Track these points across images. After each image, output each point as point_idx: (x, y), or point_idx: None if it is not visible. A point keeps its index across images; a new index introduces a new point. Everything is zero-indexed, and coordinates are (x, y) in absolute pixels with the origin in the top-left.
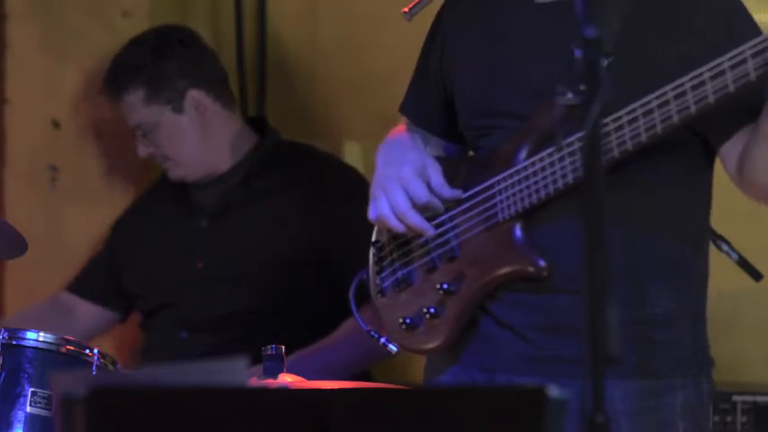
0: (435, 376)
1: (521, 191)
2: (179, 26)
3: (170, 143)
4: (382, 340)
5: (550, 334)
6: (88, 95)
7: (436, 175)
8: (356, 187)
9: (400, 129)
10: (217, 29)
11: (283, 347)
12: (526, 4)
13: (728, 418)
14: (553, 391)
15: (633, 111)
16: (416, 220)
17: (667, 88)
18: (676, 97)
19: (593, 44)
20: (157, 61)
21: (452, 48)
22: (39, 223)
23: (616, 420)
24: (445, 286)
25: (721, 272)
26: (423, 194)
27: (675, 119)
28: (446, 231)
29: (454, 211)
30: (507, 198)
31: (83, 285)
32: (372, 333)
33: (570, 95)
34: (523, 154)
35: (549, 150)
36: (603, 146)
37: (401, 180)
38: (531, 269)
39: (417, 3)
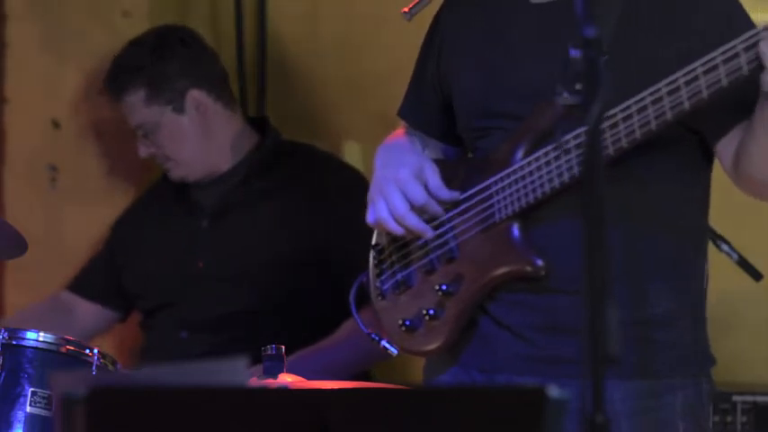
0: (434, 377)
1: (517, 191)
2: (179, 26)
3: (171, 143)
4: (383, 343)
5: (550, 334)
6: (88, 95)
7: (434, 177)
8: (356, 187)
9: (399, 132)
10: (217, 29)
11: (283, 347)
12: (523, 5)
13: (728, 418)
14: (553, 391)
15: (627, 108)
16: (414, 222)
17: (661, 84)
18: (670, 93)
19: (593, 44)
20: (158, 62)
21: (450, 50)
22: (39, 223)
23: (616, 421)
24: (444, 287)
25: (721, 272)
26: (420, 196)
27: (669, 115)
28: (444, 233)
29: (452, 213)
30: (504, 198)
31: (83, 285)
32: (373, 336)
33: (570, 95)
34: (520, 154)
35: (545, 150)
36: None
37: (398, 182)
38: (528, 269)
39: (417, 3)
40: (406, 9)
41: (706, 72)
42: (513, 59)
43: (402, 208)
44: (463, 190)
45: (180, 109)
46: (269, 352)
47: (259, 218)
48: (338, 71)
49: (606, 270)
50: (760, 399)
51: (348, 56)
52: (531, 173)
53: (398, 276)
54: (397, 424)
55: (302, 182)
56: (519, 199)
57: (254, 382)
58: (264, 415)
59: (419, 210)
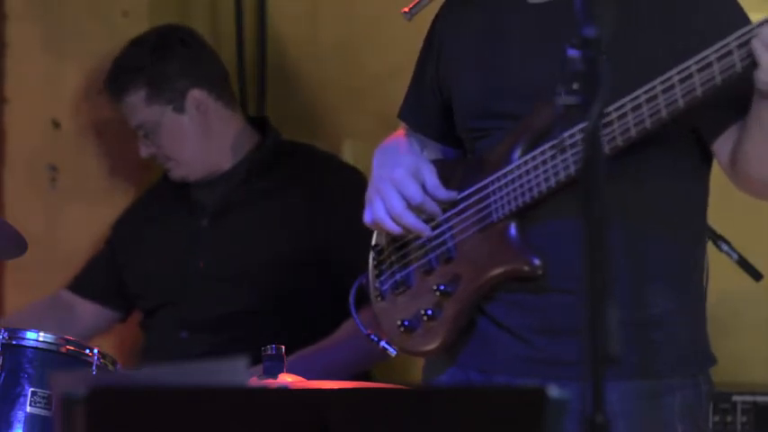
0: (434, 377)
1: (514, 190)
2: (179, 26)
3: (172, 143)
4: (382, 344)
5: (548, 336)
6: (88, 95)
7: (431, 177)
8: (356, 187)
9: (398, 133)
10: (217, 29)
11: (283, 347)
12: (521, 5)
13: (728, 418)
14: (553, 392)
15: (622, 106)
16: (412, 221)
17: (656, 82)
18: (664, 91)
19: (593, 44)
20: (158, 61)
21: (449, 51)
22: (39, 223)
23: (614, 422)
24: (442, 287)
25: (721, 272)
26: (417, 195)
27: (664, 113)
28: (442, 233)
29: (450, 213)
30: (501, 198)
31: (83, 284)
32: (372, 336)
33: (569, 96)
34: (517, 153)
35: (542, 149)
36: None
37: (395, 182)
38: (525, 268)
39: (417, 3)
40: (406, 9)
41: (700, 70)
42: (512, 60)
43: (399, 207)
44: (461, 190)
45: (180, 109)
46: (269, 352)
47: (259, 218)
48: (338, 71)
49: (606, 270)
50: (760, 399)
51: (348, 56)
52: (527, 172)
53: (397, 277)
54: (397, 424)
55: (302, 182)
56: (516, 198)
57: (254, 382)
58: (264, 415)
59: (416, 209)
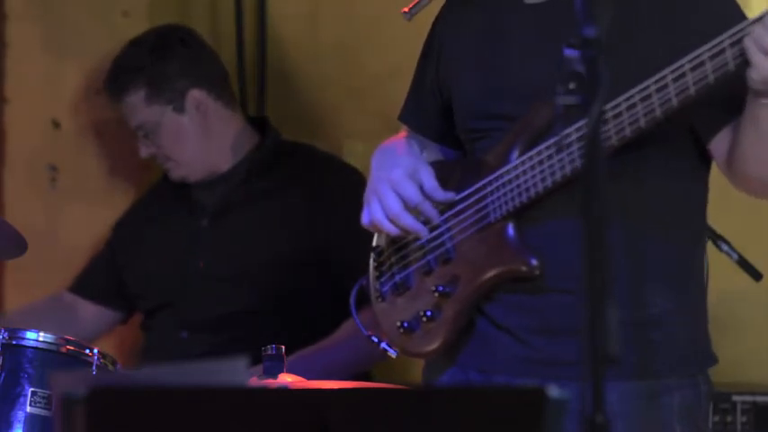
0: (433, 377)
1: (511, 191)
2: (179, 26)
3: (171, 143)
4: (382, 345)
5: (547, 336)
6: (88, 95)
7: (429, 179)
8: (356, 187)
9: (399, 135)
10: (217, 29)
11: (283, 347)
12: (519, 5)
13: (728, 418)
14: (553, 392)
15: (617, 106)
16: (409, 222)
17: (650, 81)
18: (658, 90)
19: (592, 43)
20: (158, 62)
21: (449, 52)
22: (39, 223)
23: (613, 422)
24: (440, 288)
25: (721, 272)
26: (414, 196)
27: (658, 112)
28: (441, 234)
29: (448, 214)
30: (498, 198)
31: (84, 286)
32: (373, 338)
33: (568, 95)
34: (515, 154)
35: (538, 149)
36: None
37: (392, 183)
38: (523, 268)
39: (417, 3)
40: (406, 9)
41: (693, 69)
42: (511, 60)
43: (396, 208)
44: (459, 191)
45: (180, 109)
46: (269, 352)
47: (259, 217)
48: (338, 71)
49: (606, 269)
50: (760, 399)
51: (348, 56)
52: (524, 172)
53: (397, 278)
54: (397, 424)
55: (302, 182)
56: (513, 199)
57: (254, 382)
58: (264, 415)
59: (414, 210)
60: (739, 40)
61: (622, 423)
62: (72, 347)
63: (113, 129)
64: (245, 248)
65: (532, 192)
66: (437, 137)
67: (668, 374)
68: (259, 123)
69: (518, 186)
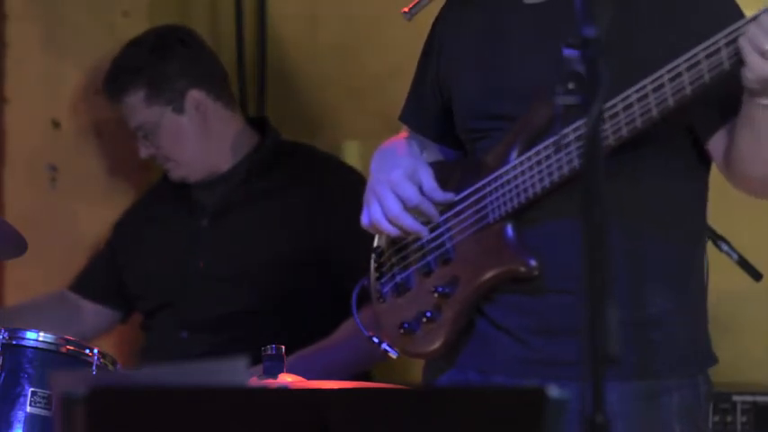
0: (433, 378)
1: (510, 191)
2: (179, 26)
3: (171, 144)
4: (383, 346)
5: (546, 337)
6: (88, 95)
7: (428, 179)
8: (356, 187)
9: (400, 136)
10: (217, 29)
11: (283, 347)
12: (518, 5)
13: (728, 418)
14: (553, 392)
15: (614, 105)
16: (409, 222)
17: (647, 81)
18: (655, 90)
19: (591, 43)
20: (157, 62)
21: (448, 52)
22: (39, 223)
23: (613, 422)
24: (440, 289)
25: (721, 272)
26: (413, 197)
27: (654, 111)
28: (441, 234)
29: (448, 214)
30: (497, 199)
31: (84, 285)
32: (374, 339)
33: (568, 95)
34: (514, 154)
35: (537, 149)
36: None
37: (391, 184)
38: (522, 269)
39: (417, 3)
40: (406, 9)
41: (689, 68)
42: (511, 60)
43: (395, 208)
44: (458, 191)
45: (180, 109)
46: (269, 352)
47: (259, 217)
48: (338, 71)
49: (606, 269)
50: (760, 399)
51: (348, 56)
52: (522, 173)
53: (397, 279)
54: (397, 424)
55: (302, 182)
56: (511, 199)
57: (254, 382)
58: (264, 415)
59: (413, 211)
60: (734, 40)
61: (622, 423)
62: (72, 347)
63: (113, 129)
64: (245, 248)
65: (531, 192)
66: (437, 137)
67: (668, 375)
68: (259, 123)
69: (516, 187)
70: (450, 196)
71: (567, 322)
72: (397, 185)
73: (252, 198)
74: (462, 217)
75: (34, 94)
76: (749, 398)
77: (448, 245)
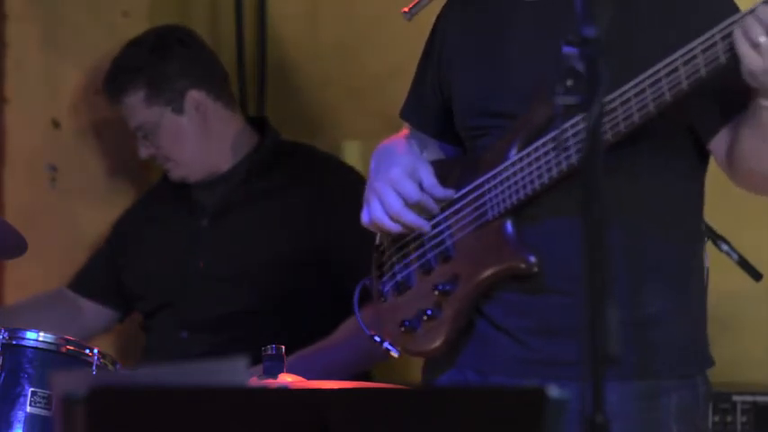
0: (433, 378)
1: (508, 188)
2: (178, 26)
3: (171, 144)
4: (385, 345)
5: (545, 337)
6: (88, 95)
7: (427, 176)
8: (356, 187)
9: (400, 134)
10: (217, 29)
11: (283, 347)
12: (519, 4)
13: (728, 418)
14: (553, 392)
15: (612, 101)
16: (411, 218)
17: (644, 76)
18: (652, 85)
19: (591, 42)
20: (157, 62)
21: (449, 50)
22: (39, 223)
23: (612, 422)
24: (440, 287)
25: (721, 272)
26: (413, 193)
27: (651, 106)
28: (441, 232)
29: (448, 212)
30: (496, 196)
31: (83, 283)
32: (375, 337)
33: (567, 94)
34: (514, 151)
35: (535, 146)
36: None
37: (391, 181)
38: (522, 266)
39: (417, 3)
40: (406, 9)
41: (686, 63)
42: (511, 58)
43: (396, 205)
44: (458, 188)
45: (179, 109)
46: (269, 352)
47: (259, 217)
48: (338, 71)
49: (606, 269)
50: (760, 399)
51: (348, 56)
52: (521, 169)
53: (398, 277)
54: (397, 424)
55: (302, 182)
56: (510, 196)
57: (254, 382)
58: (264, 415)
59: (414, 207)
60: (730, 34)
61: (621, 423)
62: (72, 347)
63: (113, 129)
64: (245, 248)
65: (529, 189)
66: (438, 134)
67: (668, 375)
68: (259, 123)
69: (515, 184)
70: (450, 193)
71: (567, 322)
72: (397, 183)
73: (252, 198)
74: (462, 214)
75: (34, 94)
76: (749, 398)
77: (448, 242)
